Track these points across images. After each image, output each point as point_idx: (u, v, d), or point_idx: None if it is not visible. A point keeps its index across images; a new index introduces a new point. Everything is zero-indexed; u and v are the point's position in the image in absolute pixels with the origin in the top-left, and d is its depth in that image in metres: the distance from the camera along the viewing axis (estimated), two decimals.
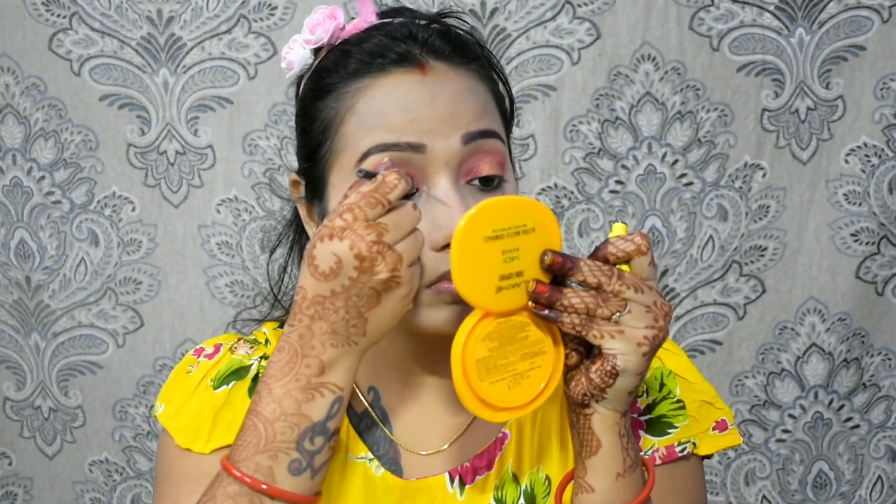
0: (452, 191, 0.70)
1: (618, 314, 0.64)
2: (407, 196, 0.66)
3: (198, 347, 0.84)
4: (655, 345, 0.65)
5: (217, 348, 0.83)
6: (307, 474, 0.65)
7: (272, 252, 0.89)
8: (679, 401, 0.81)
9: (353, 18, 0.77)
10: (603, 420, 0.68)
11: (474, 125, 0.71)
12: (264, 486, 0.63)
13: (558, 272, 0.66)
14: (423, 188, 0.70)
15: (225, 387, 0.80)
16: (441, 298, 0.70)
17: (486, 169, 0.72)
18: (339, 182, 0.72)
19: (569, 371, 0.69)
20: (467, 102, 0.72)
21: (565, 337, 0.69)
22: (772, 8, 1.42)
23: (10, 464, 1.61)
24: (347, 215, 0.63)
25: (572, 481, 0.72)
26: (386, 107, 0.70)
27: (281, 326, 0.86)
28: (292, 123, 0.83)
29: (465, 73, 0.74)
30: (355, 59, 0.73)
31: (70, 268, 1.52)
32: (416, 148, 0.69)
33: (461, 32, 0.77)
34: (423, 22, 0.76)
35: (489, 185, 0.72)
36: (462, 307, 0.68)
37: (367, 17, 0.76)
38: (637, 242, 0.66)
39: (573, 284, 0.67)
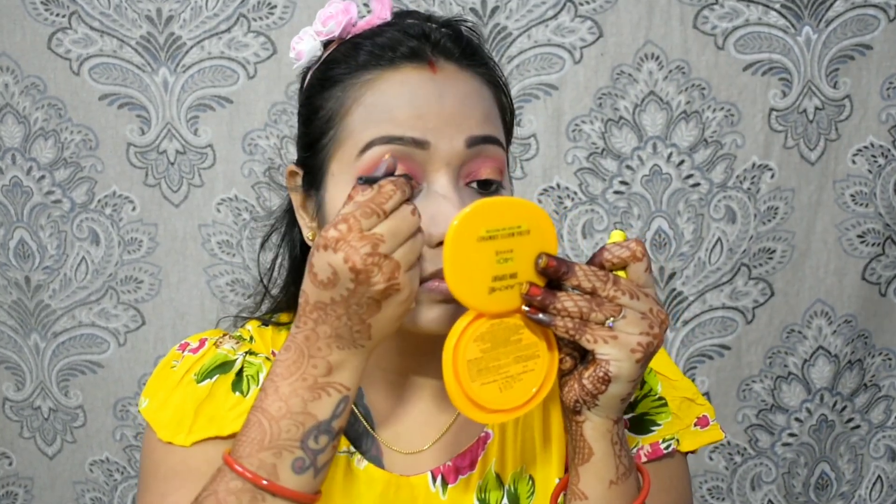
0: (452, 189, 0.70)
1: (612, 319, 0.64)
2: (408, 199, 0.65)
3: (182, 342, 0.83)
4: (650, 352, 0.65)
5: (202, 343, 0.82)
6: (310, 473, 0.65)
7: (264, 242, 0.89)
8: (661, 398, 0.82)
9: (362, 16, 0.78)
10: (595, 428, 0.68)
11: (478, 129, 0.72)
12: (265, 483, 0.63)
13: (553, 275, 0.66)
14: (423, 184, 0.70)
15: (208, 380, 0.79)
16: (432, 296, 0.69)
17: (485, 173, 0.72)
18: (339, 172, 0.72)
19: (563, 377, 0.69)
20: (473, 106, 0.72)
21: (560, 342, 0.69)
22: (777, 6, 1.40)
23: (11, 464, 1.61)
24: (342, 226, 0.62)
25: (566, 488, 0.72)
26: (393, 100, 0.71)
27: (264, 325, 0.86)
28: (292, 123, 0.82)
29: (472, 76, 0.74)
30: (366, 52, 0.73)
31: (70, 267, 1.52)
32: (420, 144, 0.69)
33: (472, 38, 0.78)
34: (435, 24, 0.77)
35: (487, 188, 0.73)
36: (454, 307, 0.68)
37: (380, 14, 0.76)
38: (632, 248, 0.66)
39: (568, 289, 0.66)
